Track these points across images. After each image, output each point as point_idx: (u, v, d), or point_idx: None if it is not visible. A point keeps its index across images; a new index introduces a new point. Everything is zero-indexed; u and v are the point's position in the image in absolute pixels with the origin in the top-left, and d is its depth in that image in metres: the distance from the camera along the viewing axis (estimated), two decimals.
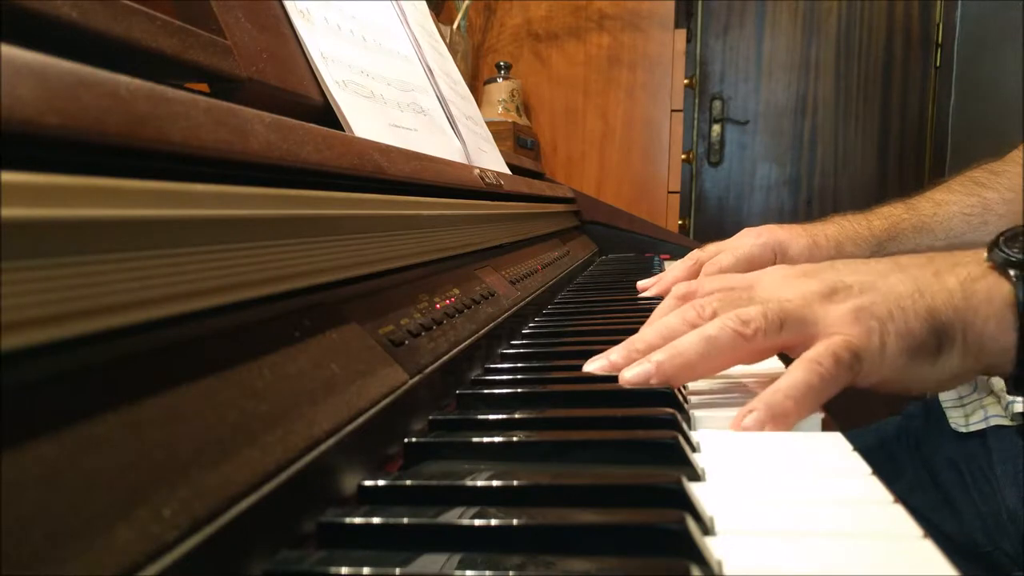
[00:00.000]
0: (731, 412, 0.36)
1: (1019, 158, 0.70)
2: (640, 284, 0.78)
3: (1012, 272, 0.37)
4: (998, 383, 0.65)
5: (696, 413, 0.37)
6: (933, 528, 0.61)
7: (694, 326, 0.41)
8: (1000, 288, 0.37)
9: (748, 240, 0.70)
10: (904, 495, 0.63)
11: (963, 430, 0.64)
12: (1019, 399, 0.61)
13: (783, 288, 0.42)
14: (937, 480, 0.64)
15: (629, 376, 0.40)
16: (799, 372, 0.37)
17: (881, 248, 0.68)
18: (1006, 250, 0.38)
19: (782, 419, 0.35)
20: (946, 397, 0.69)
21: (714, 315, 0.41)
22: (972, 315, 0.37)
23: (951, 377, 0.39)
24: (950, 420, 0.66)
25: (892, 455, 0.69)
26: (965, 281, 0.38)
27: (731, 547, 0.23)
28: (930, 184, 0.74)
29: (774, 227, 0.72)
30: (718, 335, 0.40)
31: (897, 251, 0.67)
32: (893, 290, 0.39)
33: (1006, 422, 0.62)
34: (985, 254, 0.39)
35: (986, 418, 0.63)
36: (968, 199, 0.68)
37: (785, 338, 0.40)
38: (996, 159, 0.72)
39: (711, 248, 0.73)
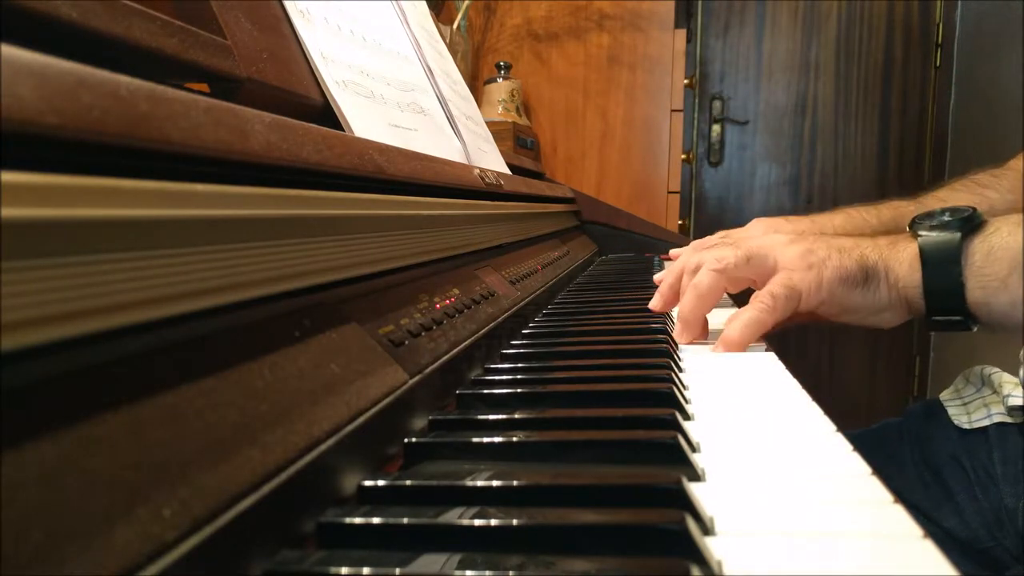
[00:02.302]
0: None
1: (1018, 164, 0.72)
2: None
3: (919, 233, 0.53)
4: (998, 379, 0.65)
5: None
6: (934, 524, 0.61)
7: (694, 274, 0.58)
8: (913, 243, 0.53)
9: (756, 231, 0.76)
10: (905, 492, 0.64)
11: (966, 427, 0.65)
12: (1018, 395, 0.61)
13: (762, 238, 0.58)
14: (939, 476, 0.64)
15: (675, 335, 0.58)
16: (747, 310, 0.53)
17: None
18: (918, 222, 0.54)
19: (737, 344, 0.53)
20: (948, 397, 0.69)
21: (699, 266, 0.57)
22: (893, 260, 0.54)
23: (885, 306, 0.54)
24: (952, 418, 0.66)
25: (893, 454, 0.70)
26: (892, 241, 0.55)
27: (731, 547, 0.23)
28: (931, 185, 0.77)
29: (781, 221, 0.77)
30: (700, 279, 0.56)
31: None
32: (837, 242, 0.55)
33: (1008, 419, 0.62)
34: (908, 229, 0.55)
35: (989, 415, 0.64)
36: (971, 197, 0.72)
37: (753, 270, 0.56)
38: (997, 165, 0.75)
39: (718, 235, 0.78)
